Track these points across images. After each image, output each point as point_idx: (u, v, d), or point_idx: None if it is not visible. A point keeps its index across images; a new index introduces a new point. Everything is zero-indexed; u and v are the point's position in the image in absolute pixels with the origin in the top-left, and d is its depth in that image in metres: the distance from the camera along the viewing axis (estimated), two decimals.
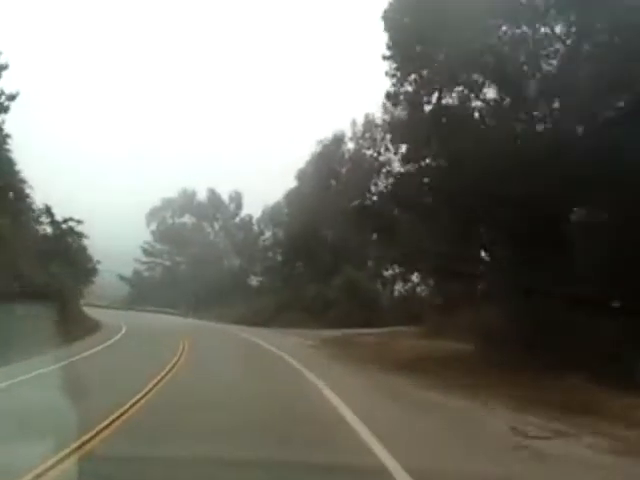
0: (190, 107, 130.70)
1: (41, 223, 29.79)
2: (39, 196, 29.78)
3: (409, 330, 29.66)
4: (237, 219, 78.74)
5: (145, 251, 76.84)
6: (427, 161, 20.01)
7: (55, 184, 58.74)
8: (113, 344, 24.08)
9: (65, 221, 32.16)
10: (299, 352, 20.41)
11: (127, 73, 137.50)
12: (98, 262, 38.23)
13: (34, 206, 28.44)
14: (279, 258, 65.73)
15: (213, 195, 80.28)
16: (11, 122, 26.15)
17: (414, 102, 18.85)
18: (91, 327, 30.94)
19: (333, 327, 33.39)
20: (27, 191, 27.16)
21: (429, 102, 18.53)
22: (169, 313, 62.43)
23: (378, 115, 52.84)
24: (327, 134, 51.09)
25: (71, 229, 32.47)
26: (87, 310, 54.23)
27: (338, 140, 49.59)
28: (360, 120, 50.03)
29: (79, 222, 32.87)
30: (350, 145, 49.93)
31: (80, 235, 33.43)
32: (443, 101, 18.95)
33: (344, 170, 49.63)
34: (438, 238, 20.37)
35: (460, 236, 19.94)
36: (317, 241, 55.10)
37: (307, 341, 26.17)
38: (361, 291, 37.32)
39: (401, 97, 19.09)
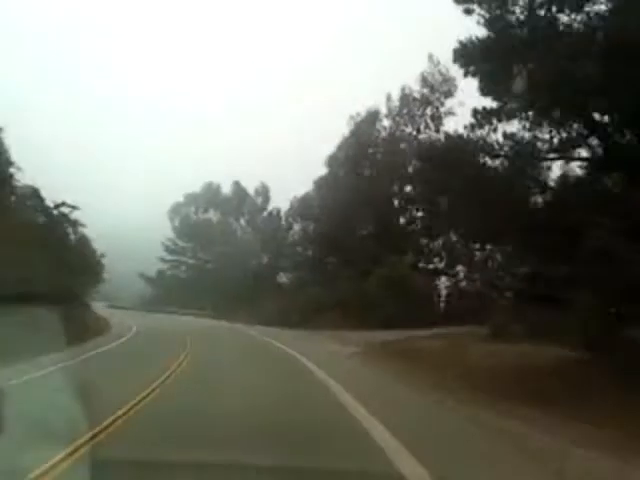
0: (213, 97, 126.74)
1: (34, 210, 25.14)
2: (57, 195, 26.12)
3: (470, 331, 24.60)
4: (264, 213, 74.30)
5: (167, 249, 72.92)
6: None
7: (70, 183, 55.28)
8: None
9: (57, 206, 27.53)
10: (345, 368, 15.55)
11: (147, 62, 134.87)
12: (102, 256, 33.79)
13: (19, 190, 23.95)
14: (310, 253, 61.16)
15: (238, 188, 76.02)
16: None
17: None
18: (97, 332, 26.65)
19: (376, 328, 28.47)
20: (17, 177, 23.02)
21: None
22: (193, 315, 58.26)
23: (416, 88, 48.48)
24: (360, 113, 45.89)
25: (64, 216, 27.75)
26: (103, 312, 50.71)
27: (372, 117, 44.48)
28: (396, 95, 45.00)
29: (74, 208, 28.08)
30: (386, 122, 44.86)
31: (76, 224, 28.85)
32: None
33: (379, 152, 44.65)
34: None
35: None
36: (351, 233, 50.21)
37: (350, 348, 21.07)
38: (406, 286, 32.18)
39: None
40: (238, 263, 67.04)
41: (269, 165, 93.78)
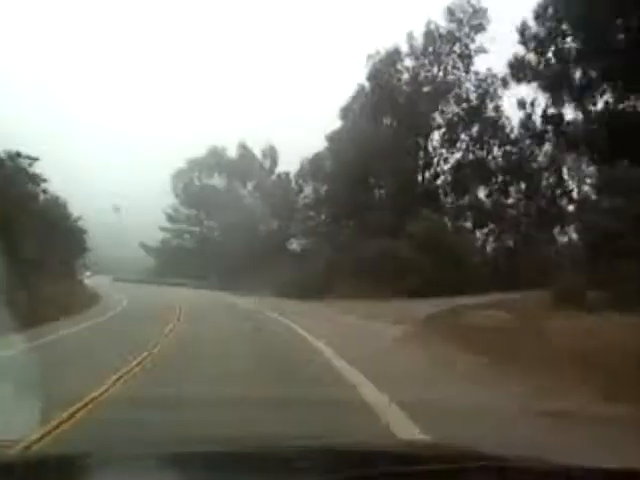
0: (213, 51, 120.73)
1: None
2: None
3: (530, 297, 19.81)
4: (273, 177, 69.23)
5: (170, 217, 68.20)
6: None
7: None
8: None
9: (10, 158, 22.33)
10: (405, 368, 10.01)
11: (147, 24, 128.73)
12: (78, 219, 29.04)
13: None
14: (322, 217, 56.53)
15: (245, 151, 70.85)
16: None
17: None
18: (70, 311, 21.97)
19: (409, 296, 23.71)
20: None
21: None
22: (197, 287, 53.93)
23: (442, 24, 42.11)
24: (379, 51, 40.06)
25: (21, 169, 22.45)
26: (102, 286, 46.81)
27: (393, 57, 38.80)
28: (419, 33, 39.26)
29: (33, 160, 22.89)
30: (408, 63, 39.23)
31: (36, 179, 23.72)
32: None
33: (400, 97, 39.19)
34: None
35: None
36: (369, 192, 45.27)
37: (396, 328, 15.41)
38: (445, 245, 27.08)
39: None
40: (246, 230, 62.32)
41: (276, 126, 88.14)
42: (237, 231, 63.99)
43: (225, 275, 54.52)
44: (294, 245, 61.49)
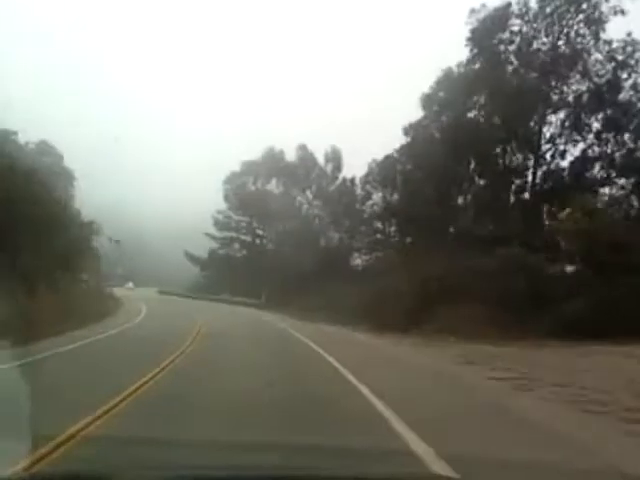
0: (271, 48, 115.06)
1: None
2: None
3: None
4: (336, 183, 61.49)
5: (218, 223, 61.28)
6: None
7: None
8: None
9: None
10: None
11: (206, 22, 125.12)
12: (61, 203, 21.94)
13: None
14: (392, 228, 48.54)
15: (305, 154, 63.50)
16: None
17: None
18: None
19: (552, 337, 15.03)
20: None
21: None
22: (243, 304, 46.48)
23: None
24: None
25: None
26: (126, 297, 40.52)
27: (500, 16, 29.93)
28: None
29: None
30: (518, 26, 30.20)
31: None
32: None
33: (506, 71, 30.42)
34: None
35: None
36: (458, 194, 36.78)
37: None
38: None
39: None
40: (303, 242, 54.64)
41: (340, 128, 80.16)
42: (293, 242, 56.48)
43: (279, 293, 46.84)
44: (358, 260, 53.36)
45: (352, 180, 53.56)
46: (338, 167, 63.03)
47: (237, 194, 62.40)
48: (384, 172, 49.93)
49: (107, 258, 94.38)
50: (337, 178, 62.75)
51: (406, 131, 39.56)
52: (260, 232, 61.84)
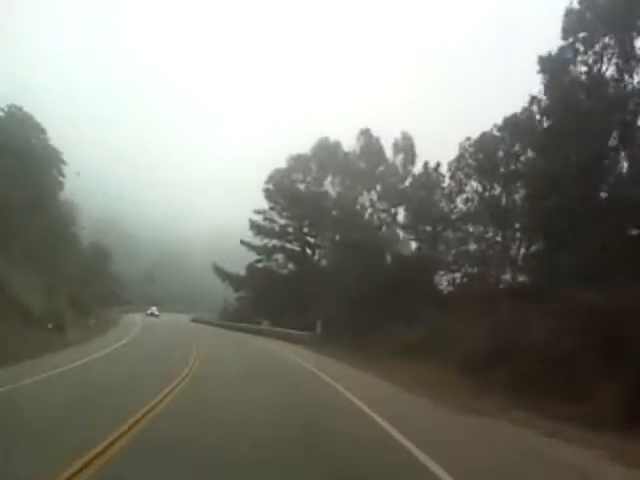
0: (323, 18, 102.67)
1: None
2: None
3: None
4: (409, 178, 47.82)
5: (257, 227, 48.23)
6: None
7: None
8: None
9: None
10: None
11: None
12: None
13: None
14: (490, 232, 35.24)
15: (369, 143, 50.20)
16: None
17: None
18: None
19: None
20: None
21: None
22: (291, 338, 32.96)
23: None
24: None
25: None
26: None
27: None
28: None
29: None
30: None
31: None
32: None
33: None
34: None
35: None
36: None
37: None
38: None
39: None
40: (369, 254, 41.09)
41: (413, 111, 65.89)
42: (356, 255, 43.04)
43: (337, 322, 33.18)
44: (444, 280, 39.17)
45: (437, 167, 39.43)
46: (411, 159, 49.40)
47: (282, 194, 49.32)
48: (483, 158, 36.04)
49: (131, 281, 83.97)
50: (409, 172, 49.14)
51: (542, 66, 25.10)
52: (312, 240, 48.35)
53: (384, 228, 47.51)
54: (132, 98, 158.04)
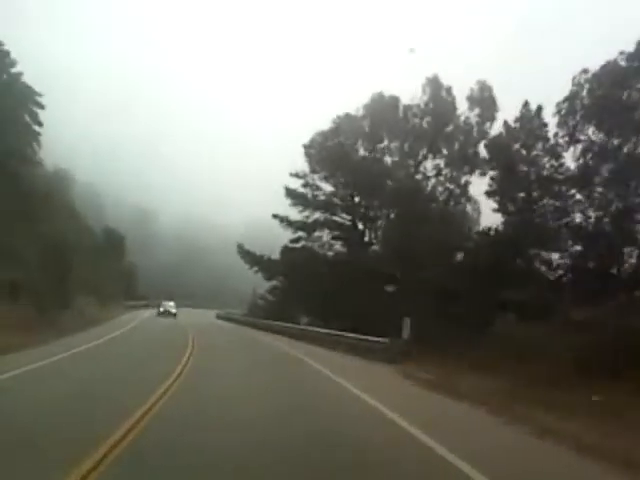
0: None
1: None
2: None
3: None
4: (483, 141, 37.33)
5: (291, 194, 38.29)
6: None
7: None
8: None
9: None
10: None
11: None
12: None
13: None
14: None
15: (436, 94, 39.88)
16: None
17: None
18: None
19: None
20: None
21: None
22: (350, 348, 22.50)
23: None
24: None
25: None
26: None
27: None
28: None
29: None
30: None
31: None
32: None
33: None
34: None
35: None
36: None
37: None
38: None
39: None
40: (445, 232, 31.04)
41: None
42: (425, 232, 32.91)
43: (423, 321, 22.82)
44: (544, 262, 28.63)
45: (538, 111, 28.70)
46: (489, 115, 38.90)
47: (327, 158, 39.26)
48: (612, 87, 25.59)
49: (151, 274, 76.02)
50: (487, 132, 38.71)
51: None
52: (366, 212, 38.00)
53: (460, 200, 37.45)
54: (157, 85, 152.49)
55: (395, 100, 41.97)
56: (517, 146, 29.22)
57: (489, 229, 30.20)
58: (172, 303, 43.66)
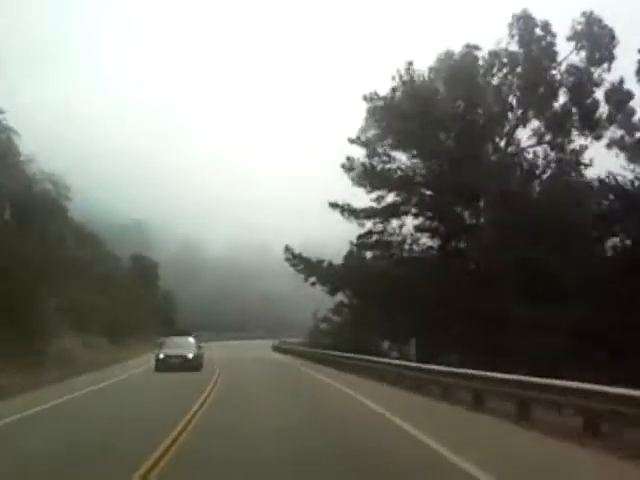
0: None
1: None
2: None
3: None
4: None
5: (349, 168, 28.15)
6: None
7: None
8: None
9: None
10: None
11: None
12: None
13: None
14: None
15: (530, 32, 30.41)
16: None
17: None
18: None
19: None
20: None
21: None
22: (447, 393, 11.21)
23: None
24: None
25: None
26: None
27: None
28: None
29: None
30: None
31: None
32: None
33: None
34: None
35: None
36: None
37: None
38: None
39: None
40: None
41: None
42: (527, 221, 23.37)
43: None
44: None
45: None
46: (606, 56, 29.20)
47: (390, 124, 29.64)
48: None
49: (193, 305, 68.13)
50: (600, 82, 29.13)
51: None
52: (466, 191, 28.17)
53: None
54: (192, 104, 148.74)
55: (469, 56, 32.69)
56: None
57: None
58: (190, 339, 26.73)
